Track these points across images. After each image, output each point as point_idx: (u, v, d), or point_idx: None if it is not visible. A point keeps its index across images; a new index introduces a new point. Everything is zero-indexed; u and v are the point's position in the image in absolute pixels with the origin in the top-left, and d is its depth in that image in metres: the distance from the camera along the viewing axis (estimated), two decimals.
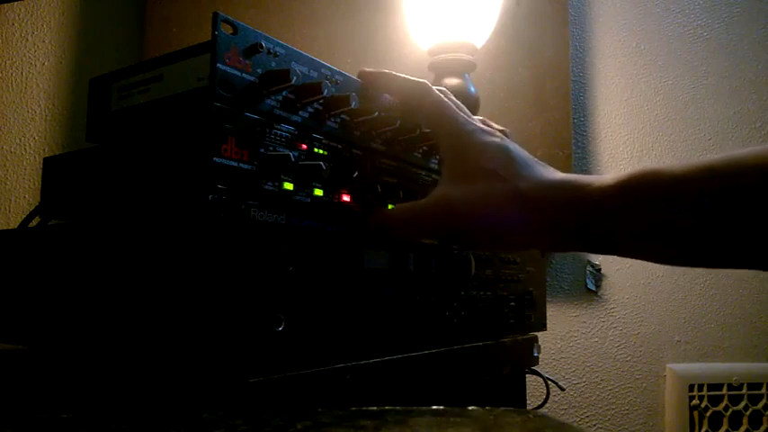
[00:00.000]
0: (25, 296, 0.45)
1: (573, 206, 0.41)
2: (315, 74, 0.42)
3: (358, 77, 0.46)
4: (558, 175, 0.43)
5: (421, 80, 0.47)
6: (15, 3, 0.96)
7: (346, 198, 0.43)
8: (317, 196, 0.41)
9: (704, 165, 0.38)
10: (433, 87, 0.47)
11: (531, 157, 0.45)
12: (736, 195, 0.37)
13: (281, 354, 0.36)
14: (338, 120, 0.44)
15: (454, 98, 0.48)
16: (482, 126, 0.46)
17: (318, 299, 0.39)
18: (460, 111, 0.47)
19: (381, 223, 0.44)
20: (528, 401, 0.76)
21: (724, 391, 1.27)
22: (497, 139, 0.44)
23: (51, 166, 0.49)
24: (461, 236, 0.46)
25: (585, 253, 1.27)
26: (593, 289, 1.27)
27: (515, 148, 0.45)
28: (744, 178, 0.36)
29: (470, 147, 0.44)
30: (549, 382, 0.78)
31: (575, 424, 1.09)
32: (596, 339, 1.27)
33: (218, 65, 0.35)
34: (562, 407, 1.23)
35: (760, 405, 1.29)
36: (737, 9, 1.43)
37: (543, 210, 0.42)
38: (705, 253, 0.39)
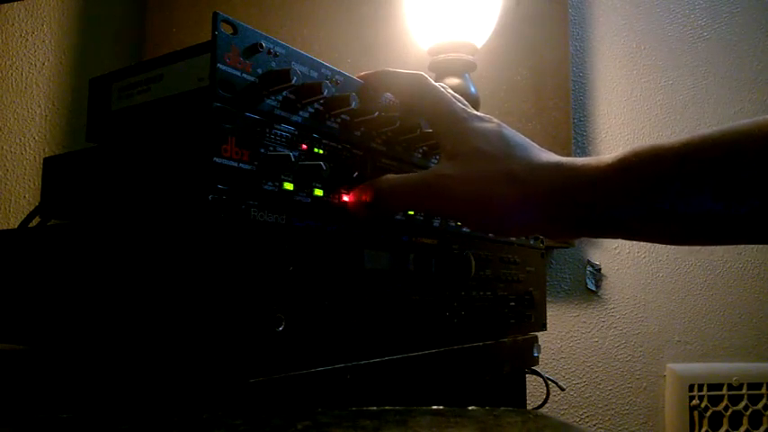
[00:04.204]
0: (25, 296, 0.45)
1: (569, 187, 0.41)
2: (315, 74, 0.42)
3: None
4: (553, 157, 0.43)
5: (417, 72, 0.47)
6: (15, 3, 0.96)
7: (346, 198, 0.43)
8: (318, 196, 0.41)
9: (703, 137, 0.37)
10: (430, 79, 0.47)
11: (529, 141, 0.45)
12: (740, 165, 0.36)
13: (281, 354, 0.36)
14: (338, 120, 0.44)
15: (452, 92, 0.48)
16: (478, 114, 0.46)
17: (318, 299, 0.39)
18: (458, 101, 0.47)
19: (379, 191, 0.44)
20: (528, 401, 0.76)
21: (724, 391, 1.27)
22: (493, 125, 0.45)
23: (51, 166, 0.49)
24: (453, 213, 0.45)
25: (585, 252, 1.27)
26: (593, 289, 1.27)
27: (511, 132, 0.44)
28: (747, 148, 0.36)
29: (467, 131, 0.44)
30: (549, 382, 0.78)
31: (575, 424, 1.09)
32: (596, 339, 1.27)
33: (219, 65, 0.35)
34: (562, 407, 1.23)
35: (760, 405, 1.29)
36: (738, 9, 1.43)
37: (538, 191, 0.41)
38: (710, 228, 0.38)
